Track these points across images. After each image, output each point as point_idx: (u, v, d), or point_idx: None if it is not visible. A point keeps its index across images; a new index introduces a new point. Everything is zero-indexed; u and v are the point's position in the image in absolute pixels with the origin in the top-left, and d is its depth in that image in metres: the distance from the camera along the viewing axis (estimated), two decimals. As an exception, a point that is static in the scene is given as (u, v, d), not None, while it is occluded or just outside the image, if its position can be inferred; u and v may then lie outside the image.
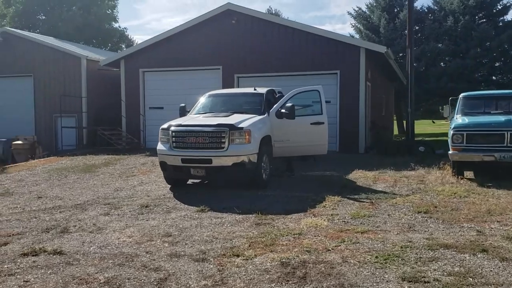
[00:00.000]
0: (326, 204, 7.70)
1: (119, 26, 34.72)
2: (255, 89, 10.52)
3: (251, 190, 8.84)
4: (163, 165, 9.04)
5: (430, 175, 10.08)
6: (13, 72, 19.74)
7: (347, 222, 6.65)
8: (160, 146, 9.00)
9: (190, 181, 9.87)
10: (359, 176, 10.22)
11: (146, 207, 7.87)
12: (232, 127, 8.53)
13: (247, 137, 8.54)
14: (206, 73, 16.68)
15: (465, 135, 9.09)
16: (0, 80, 20.20)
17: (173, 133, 8.78)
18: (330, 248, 5.40)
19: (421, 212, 6.96)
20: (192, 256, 5.32)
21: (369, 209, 7.34)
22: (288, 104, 9.63)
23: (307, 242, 5.71)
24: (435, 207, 7.25)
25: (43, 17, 27.61)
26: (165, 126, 9.06)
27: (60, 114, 18.11)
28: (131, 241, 5.94)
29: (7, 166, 13.28)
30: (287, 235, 6.04)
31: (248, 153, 8.57)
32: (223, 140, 8.50)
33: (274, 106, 9.79)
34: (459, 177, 9.40)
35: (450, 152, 9.32)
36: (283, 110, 9.62)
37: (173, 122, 9.12)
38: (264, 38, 15.97)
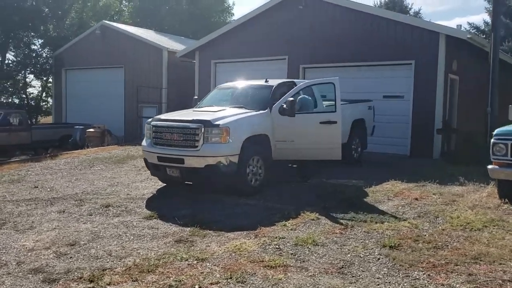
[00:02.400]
0: (290, 222, 6.32)
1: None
2: (266, 81, 9.25)
3: (234, 196, 7.71)
4: (146, 162, 8.38)
5: (473, 194, 7.80)
6: (108, 64, 20.92)
7: (281, 250, 5.28)
8: (143, 142, 8.36)
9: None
10: (382, 189, 8.35)
11: (106, 207, 7.36)
12: (207, 124, 7.48)
13: (224, 135, 7.42)
14: (272, 63, 15.58)
15: (509, 145, 6.74)
16: (97, 71, 21.60)
17: (153, 128, 8.05)
18: (203, 285, 4.25)
19: (386, 246, 5.22)
20: (50, 275, 4.75)
21: (332, 234, 5.79)
22: (289, 99, 8.20)
23: (191, 272, 4.61)
24: (415, 241, 5.41)
25: (155, 13, 28.85)
26: (149, 120, 8.38)
27: (141, 104, 18.64)
28: (30, 246, 5.58)
29: (62, 152, 13.90)
30: (186, 260, 5.01)
31: (224, 154, 7.44)
32: (196, 138, 7.51)
33: (279, 101, 8.41)
34: (503, 200, 7.06)
35: (489, 167, 7.02)
36: (284, 106, 8.22)
37: (159, 116, 8.39)
38: (332, 24, 14.30)
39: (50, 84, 25.33)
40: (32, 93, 27.30)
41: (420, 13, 36.42)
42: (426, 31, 12.65)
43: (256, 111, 8.31)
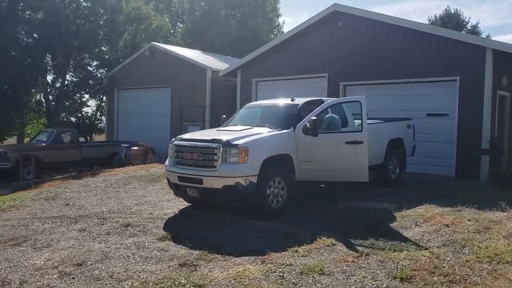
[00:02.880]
0: (303, 248, 6.04)
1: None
2: (292, 100, 9.03)
3: (254, 219, 7.52)
4: (168, 181, 8.38)
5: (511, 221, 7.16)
6: (156, 83, 21.51)
7: (283, 278, 5.04)
8: (166, 161, 8.36)
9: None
10: (413, 213, 7.85)
11: (125, 226, 7.40)
12: (225, 144, 7.36)
13: (243, 155, 7.26)
14: (312, 81, 15.35)
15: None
16: (147, 90, 22.26)
17: (175, 147, 8.05)
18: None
19: (397, 278, 4.84)
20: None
21: (344, 262, 5.46)
22: (312, 118, 7.93)
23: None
24: (431, 273, 4.97)
25: (206, 33, 29.42)
26: (172, 139, 8.39)
27: (186, 122, 18.92)
28: (39, 265, 5.67)
29: (104, 170, 14.28)
30: (184, 286, 4.93)
31: (243, 175, 7.28)
32: (215, 158, 7.40)
33: (303, 120, 8.16)
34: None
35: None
36: (308, 125, 7.96)
37: (181, 136, 8.39)
38: (372, 40, 13.90)
39: (104, 104, 26.35)
40: (87, 112, 28.50)
41: (478, 27, 34.87)
42: (471, 45, 11.98)
43: (279, 130, 8.11)
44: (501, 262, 5.28)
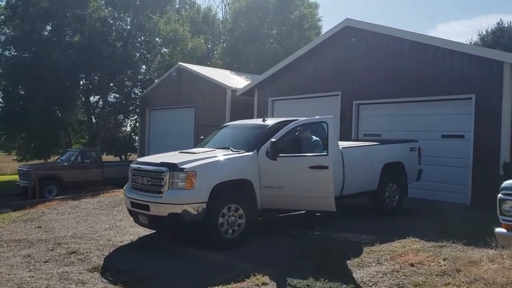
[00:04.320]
0: (230, 286, 5.39)
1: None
2: (264, 120, 8.40)
3: (207, 250, 6.94)
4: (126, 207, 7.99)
5: (492, 263, 6.08)
6: (182, 103, 21.49)
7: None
8: (126, 185, 7.98)
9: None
10: (384, 249, 6.92)
11: (71, 253, 7.10)
12: (172, 167, 6.87)
13: (189, 181, 6.73)
14: (325, 100, 14.58)
15: (520, 202, 5.10)
16: (174, 110, 22.33)
17: (131, 171, 7.66)
18: None
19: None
20: None
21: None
22: (272, 140, 7.27)
23: None
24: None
25: (244, 52, 29.31)
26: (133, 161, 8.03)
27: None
28: None
29: (108, 190, 14.20)
30: None
31: (189, 202, 6.74)
32: (161, 183, 6.93)
33: (267, 143, 7.51)
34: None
35: (497, 230, 5.38)
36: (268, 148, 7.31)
37: (139, 158, 8.00)
38: (386, 57, 12.98)
39: (137, 123, 26.78)
40: (124, 132, 29.05)
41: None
42: (486, 60, 10.80)
43: (240, 153, 7.52)
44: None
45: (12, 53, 26.27)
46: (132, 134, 28.75)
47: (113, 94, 28.05)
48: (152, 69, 26.98)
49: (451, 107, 11.67)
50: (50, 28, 26.77)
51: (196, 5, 39.18)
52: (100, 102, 28.20)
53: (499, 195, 5.37)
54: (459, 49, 11.45)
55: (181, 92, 21.62)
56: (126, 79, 26.81)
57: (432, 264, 6.11)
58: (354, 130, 13.72)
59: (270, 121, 8.26)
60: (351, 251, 6.81)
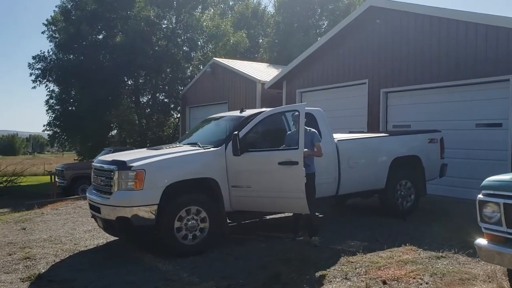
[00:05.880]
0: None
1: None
2: (241, 111, 7.45)
3: (167, 258, 6.19)
4: (93, 209, 7.39)
5: (483, 283, 4.80)
6: (217, 100, 20.87)
7: None
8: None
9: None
10: (365, 260, 5.78)
11: (25, 259, 6.60)
12: (121, 166, 6.16)
13: (138, 180, 5.98)
14: (353, 89, 13.31)
15: (502, 205, 3.83)
16: (210, 107, 21.49)
17: (92, 170, 7.06)
18: None
19: None
20: None
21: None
22: (234, 133, 6.33)
23: None
24: None
25: (288, 44, 28.29)
26: (97, 160, 7.44)
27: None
28: None
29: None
30: None
31: (138, 204, 5.99)
32: (111, 183, 6.24)
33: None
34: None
35: (477, 242, 4.12)
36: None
37: (100, 156, 7.40)
38: (414, 38, 11.50)
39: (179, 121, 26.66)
40: (166, 130, 29.04)
41: None
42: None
43: (206, 148, 6.67)
44: None
45: (61, 56, 27.04)
46: (176, 132, 28.72)
47: (158, 94, 28.11)
48: (192, 66, 26.67)
49: (487, 91, 10.08)
50: (96, 31, 27.31)
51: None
52: (145, 101, 28.39)
53: (479, 195, 4.13)
54: (495, 23, 9.79)
55: (216, 88, 21.05)
56: (169, 77, 26.72)
57: (411, 281, 4.96)
58: (382, 121, 12.36)
59: (246, 113, 7.31)
60: (324, 261, 5.77)
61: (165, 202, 6.06)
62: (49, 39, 27.67)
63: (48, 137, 31.86)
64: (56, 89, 27.86)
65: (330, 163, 7.46)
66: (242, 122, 6.92)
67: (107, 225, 6.44)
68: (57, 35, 27.80)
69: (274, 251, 6.37)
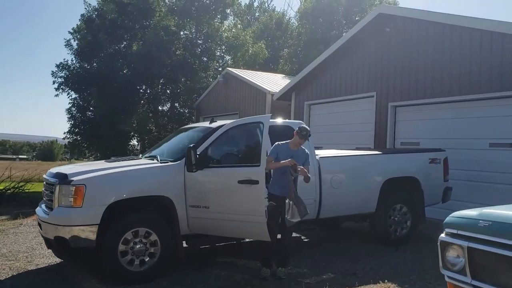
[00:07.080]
0: None
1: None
2: (211, 122, 6.74)
3: (110, 284, 5.52)
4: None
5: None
6: (228, 111, 20.28)
7: None
8: (45, 201, 6.80)
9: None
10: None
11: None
12: (62, 179, 5.54)
13: (78, 196, 5.33)
14: (361, 103, 12.41)
15: (466, 249, 2.96)
16: (221, 118, 20.99)
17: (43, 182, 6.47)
18: None
19: None
20: None
21: None
22: (189, 146, 5.61)
23: None
24: None
25: (309, 56, 27.52)
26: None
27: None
28: None
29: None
30: None
31: (76, 223, 5.33)
32: (53, 198, 5.63)
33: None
34: None
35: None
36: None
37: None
38: (424, 48, 10.57)
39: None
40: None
41: None
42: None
43: (163, 163, 5.98)
44: None
45: (80, 64, 27.05)
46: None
47: (176, 103, 27.76)
48: (208, 76, 26.22)
49: (501, 107, 9.05)
50: (116, 40, 27.22)
51: (271, 10, 38.03)
52: (163, 110, 28.07)
53: (441, 235, 3.26)
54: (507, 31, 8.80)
55: (228, 98, 20.51)
56: (184, 86, 26.33)
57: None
58: (389, 137, 11.39)
59: (215, 124, 6.59)
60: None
61: (109, 222, 5.39)
62: (68, 47, 27.76)
63: (68, 145, 31.94)
64: (76, 96, 27.94)
65: (310, 183, 6.63)
66: (207, 135, 6.20)
67: (49, 244, 5.82)
68: (76, 43, 27.92)
69: (231, 282, 5.60)
